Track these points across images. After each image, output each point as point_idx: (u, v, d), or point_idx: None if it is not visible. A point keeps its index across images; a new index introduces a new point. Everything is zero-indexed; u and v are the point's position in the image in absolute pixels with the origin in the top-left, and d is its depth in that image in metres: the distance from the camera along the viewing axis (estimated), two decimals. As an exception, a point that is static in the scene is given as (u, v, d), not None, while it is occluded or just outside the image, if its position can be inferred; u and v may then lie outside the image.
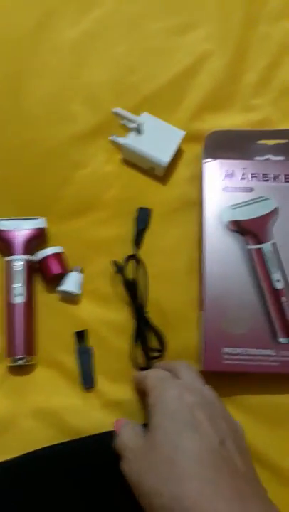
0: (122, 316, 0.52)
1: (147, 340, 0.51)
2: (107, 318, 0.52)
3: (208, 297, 0.49)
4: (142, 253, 0.53)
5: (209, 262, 0.50)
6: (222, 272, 0.50)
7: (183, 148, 0.57)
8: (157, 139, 0.54)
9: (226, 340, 0.48)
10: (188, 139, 0.56)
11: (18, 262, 0.51)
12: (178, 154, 0.56)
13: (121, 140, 0.55)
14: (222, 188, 0.52)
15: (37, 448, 0.45)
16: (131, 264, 0.53)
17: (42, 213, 0.54)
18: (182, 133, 0.55)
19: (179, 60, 0.59)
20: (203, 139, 0.54)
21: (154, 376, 0.43)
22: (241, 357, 0.48)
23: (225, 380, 0.49)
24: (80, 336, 0.51)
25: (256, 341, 0.48)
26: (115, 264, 0.52)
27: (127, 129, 0.56)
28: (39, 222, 0.53)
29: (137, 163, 0.56)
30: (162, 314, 0.52)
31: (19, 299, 0.50)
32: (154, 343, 0.51)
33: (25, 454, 0.45)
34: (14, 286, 0.51)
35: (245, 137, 0.55)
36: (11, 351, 0.49)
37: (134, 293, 0.51)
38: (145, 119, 0.55)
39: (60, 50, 0.60)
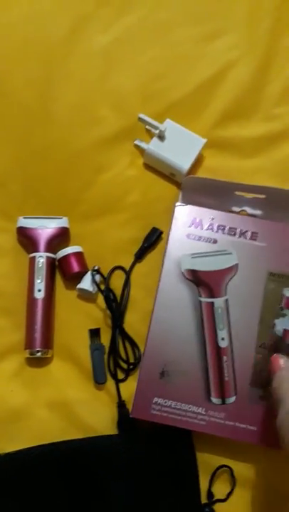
0: (134, 317, 0.53)
1: (124, 351, 0.52)
2: (121, 318, 0.53)
3: (149, 343, 0.49)
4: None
5: (158, 307, 0.50)
6: (169, 319, 0.49)
7: (204, 154, 0.58)
8: (179, 145, 0.55)
9: (159, 390, 0.48)
10: (209, 145, 0.57)
11: (41, 259, 0.54)
12: (198, 161, 0.57)
13: (143, 145, 0.57)
14: (186, 234, 0.51)
15: (48, 439, 0.47)
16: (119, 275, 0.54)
17: (65, 213, 0.56)
18: (203, 141, 0.56)
19: (205, 68, 0.60)
20: (225, 146, 0.55)
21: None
22: (170, 410, 0.48)
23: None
24: (94, 333, 0.52)
25: (188, 396, 0.48)
26: (94, 271, 0.53)
27: (152, 134, 0.57)
28: (62, 222, 0.55)
29: (158, 169, 0.57)
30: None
31: (40, 294, 0.53)
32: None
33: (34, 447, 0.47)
34: (36, 281, 0.53)
35: (220, 187, 0.53)
36: (29, 344, 0.52)
37: (109, 303, 0.52)
38: (168, 125, 0.56)
39: (91, 55, 0.61)
